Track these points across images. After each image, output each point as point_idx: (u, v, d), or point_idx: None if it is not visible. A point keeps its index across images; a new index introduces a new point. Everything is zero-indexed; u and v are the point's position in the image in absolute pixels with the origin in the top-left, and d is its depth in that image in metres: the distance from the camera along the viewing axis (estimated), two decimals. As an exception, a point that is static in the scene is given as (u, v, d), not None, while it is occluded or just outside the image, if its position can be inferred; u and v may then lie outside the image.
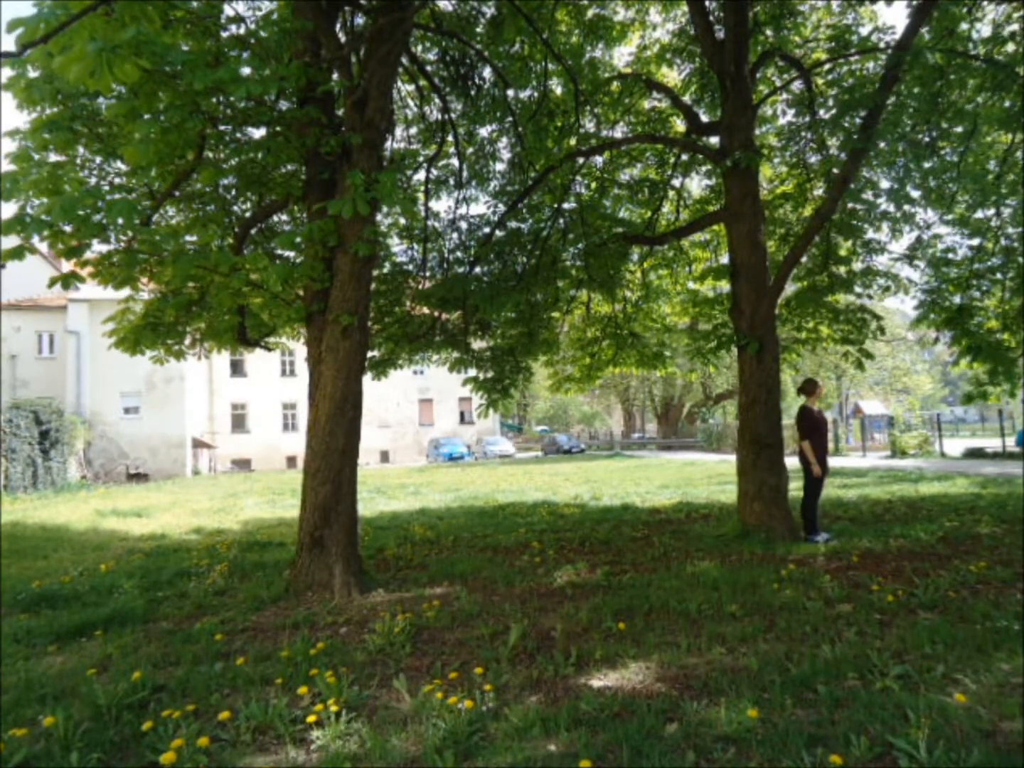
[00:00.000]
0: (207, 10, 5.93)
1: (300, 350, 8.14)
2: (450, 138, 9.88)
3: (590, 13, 9.98)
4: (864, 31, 9.79)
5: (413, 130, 10.85)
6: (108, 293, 6.74)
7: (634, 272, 11.63)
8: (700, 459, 28.29)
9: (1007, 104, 8.92)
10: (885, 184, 10.33)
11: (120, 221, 4.64)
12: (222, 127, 6.15)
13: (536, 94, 10.11)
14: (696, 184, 12.95)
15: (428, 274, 10.18)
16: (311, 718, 3.40)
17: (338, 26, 7.51)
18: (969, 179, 9.59)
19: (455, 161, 10.45)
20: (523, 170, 10.30)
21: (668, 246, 11.04)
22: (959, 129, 9.51)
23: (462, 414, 44.24)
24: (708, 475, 18.91)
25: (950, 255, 10.19)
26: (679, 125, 10.85)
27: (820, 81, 9.91)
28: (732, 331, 8.83)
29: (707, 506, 11.45)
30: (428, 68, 9.65)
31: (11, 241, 4.55)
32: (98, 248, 5.92)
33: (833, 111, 9.18)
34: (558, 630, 4.76)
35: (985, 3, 9.04)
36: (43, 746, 3.30)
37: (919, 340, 38.40)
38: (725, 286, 9.93)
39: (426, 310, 9.97)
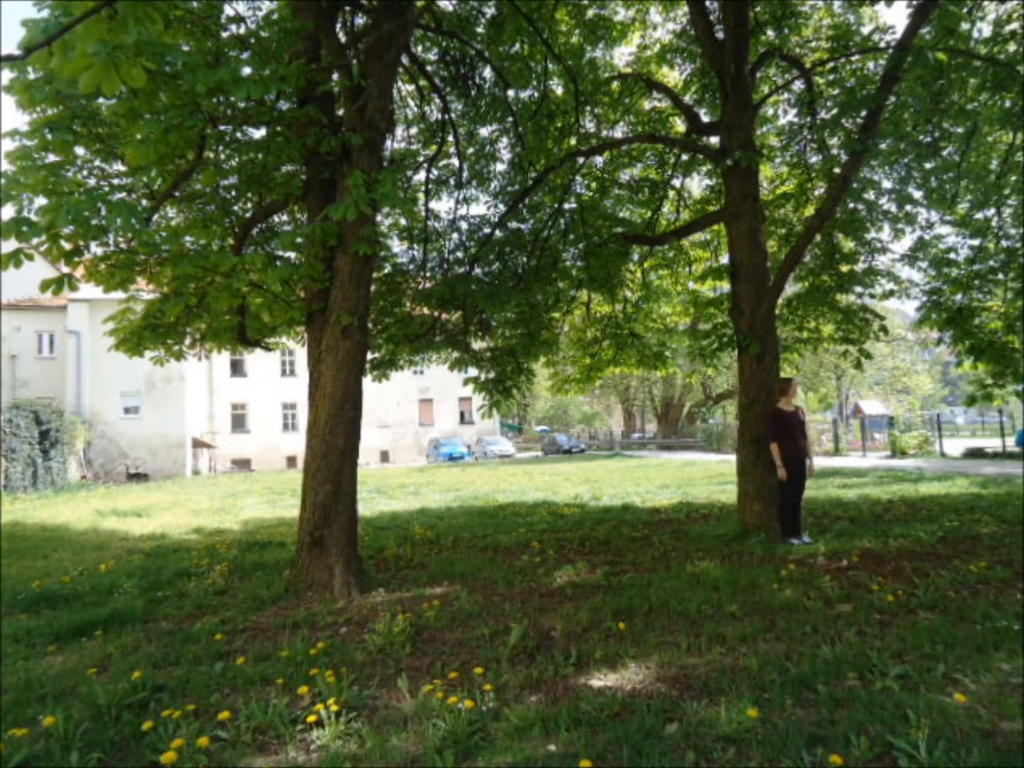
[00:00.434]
0: (207, 10, 5.93)
1: (300, 350, 8.14)
2: (450, 138, 9.88)
3: (590, 13, 9.99)
4: (865, 31, 9.80)
5: (413, 130, 10.86)
6: (108, 293, 6.73)
7: (634, 272, 11.63)
8: (700, 459, 28.28)
9: (1008, 104, 8.92)
10: (887, 184, 10.35)
11: (120, 222, 4.64)
12: (222, 127, 6.14)
13: (536, 94, 10.11)
14: (696, 184, 12.96)
15: (428, 274, 10.18)
16: (311, 718, 3.40)
17: (338, 26, 7.51)
18: (970, 179, 9.59)
19: (455, 161, 10.46)
20: (523, 170, 10.30)
21: (668, 246, 11.05)
22: (960, 129, 9.51)
23: (462, 414, 44.25)
24: (708, 475, 18.91)
25: (951, 255, 10.19)
26: (679, 125, 10.85)
27: (821, 81, 9.91)
28: (732, 331, 8.84)
29: (707, 506, 11.45)
30: (428, 68, 9.65)
31: (10, 244, 4.54)
32: (94, 250, 5.92)
33: (834, 111, 9.18)
34: (558, 630, 4.76)
35: (986, 3, 9.04)
36: (43, 746, 3.30)
37: (920, 341, 38.45)
38: (725, 286, 9.93)
39: (426, 311, 9.97)
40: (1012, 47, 8.92)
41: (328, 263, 6.44)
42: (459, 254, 10.50)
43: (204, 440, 34.43)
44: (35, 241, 4.62)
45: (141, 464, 29.78)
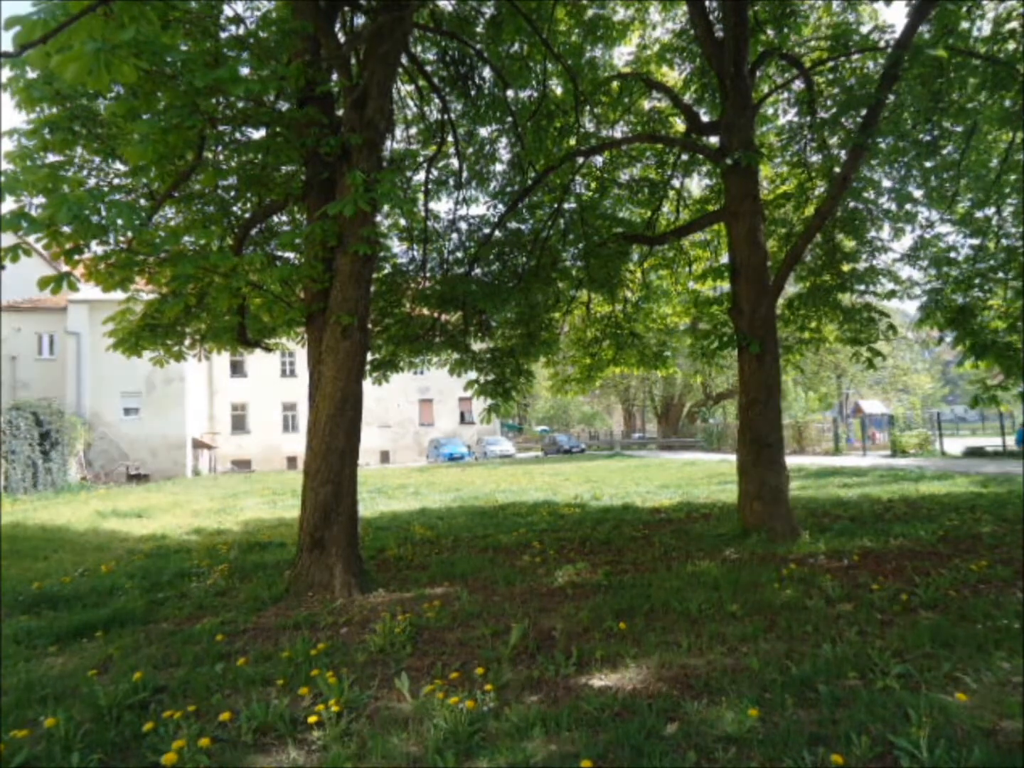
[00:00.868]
0: (206, 11, 5.92)
1: (300, 350, 8.13)
2: (450, 138, 9.87)
3: (590, 13, 9.97)
4: (864, 30, 9.79)
5: (413, 130, 10.85)
6: (108, 294, 6.72)
7: (634, 272, 11.62)
8: (700, 459, 28.28)
9: (1007, 103, 8.92)
10: (887, 183, 10.35)
11: (120, 222, 4.63)
12: (222, 127, 6.14)
13: (536, 94, 10.11)
14: (696, 184, 12.96)
15: (428, 275, 10.17)
16: (312, 719, 3.40)
17: (337, 26, 7.51)
18: (970, 178, 9.58)
19: (455, 161, 10.45)
20: (523, 170, 10.30)
21: (668, 246, 11.04)
22: (960, 128, 9.51)
23: (462, 414, 44.22)
24: (708, 475, 18.90)
25: (952, 254, 10.19)
26: (679, 125, 10.84)
27: (820, 80, 9.91)
28: (732, 331, 8.83)
29: (707, 506, 11.45)
30: (428, 68, 9.64)
31: (8, 239, 4.53)
32: (94, 249, 5.91)
33: (833, 110, 9.18)
34: (559, 630, 4.76)
35: (985, 1, 9.03)
36: (44, 747, 3.29)
37: (920, 340, 38.44)
38: (726, 286, 9.93)
39: (426, 311, 9.97)
40: (1011, 46, 8.91)
41: (328, 263, 6.44)
42: (459, 254, 10.49)
43: (204, 441, 34.41)
44: (34, 239, 4.62)
45: (141, 465, 29.77)
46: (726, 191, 8.74)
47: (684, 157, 10.78)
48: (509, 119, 10.10)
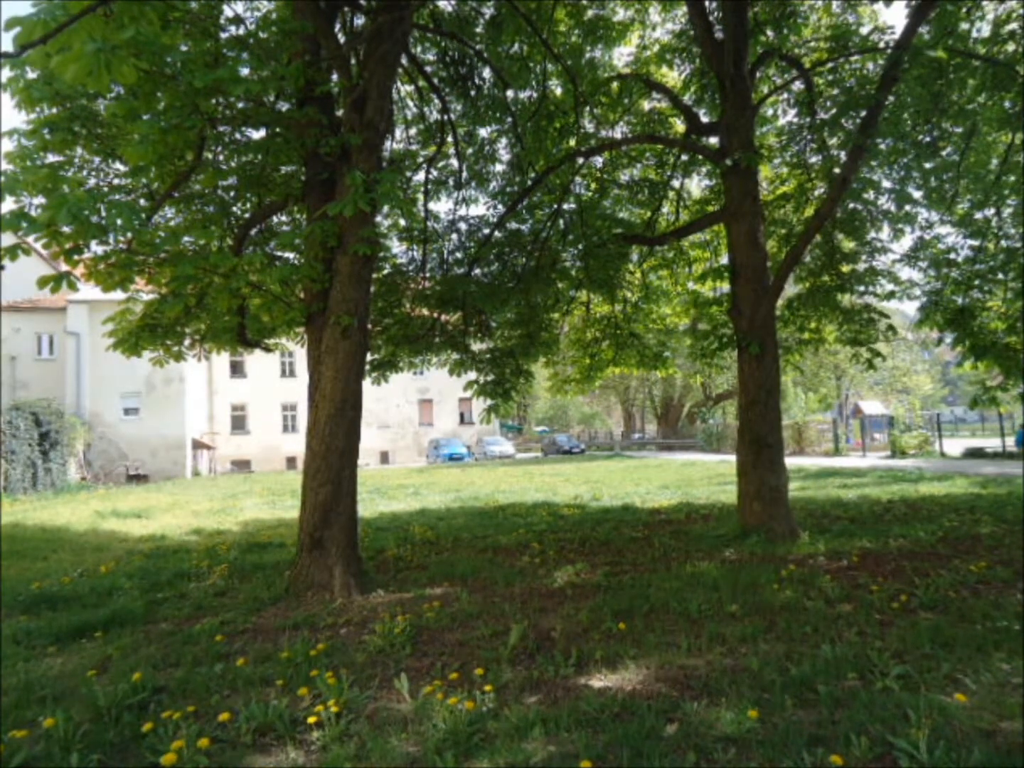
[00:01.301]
0: (206, 11, 5.93)
1: (300, 351, 8.14)
2: (450, 139, 9.87)
3: (589, 13, 9.98)
4: (864, 31, 9.80)
5: (413, 131, 10.85)
6: (108, 294, 6.72)
7: (634, 273, 11.63)
8: (700, 459, 28.29)
9: (1007, 104, 8.92)
10: (886, 184, 10.34)
11: (119, 222, 4.63)
12: (221, 128, 6.15)
13: (536, 94, 10.11)
14: (696, 184, 12.95)
15: (428, 275, 10.18)
16: (311, 719, 3.40)
17: (337, 26, 7.51)
18: (970, 179, 9.58)
19: (455, 162, 10.46)
20: (522, 171, 10.30)
21: (668, 246, 11.04)
22: (959, 129, 9.51)
23: (462, 415, 44.21)
24: (708, 475, 18.91)
25: (951, 255, 10.19)
26: (679, 125, 10.85)
27: (820, 81, 9.91)
28: (732, 331, 8.83)
29: (707, 506, 11.45)
30: (428, 68, 9.65)
31: (8, 239, 4.53)
32: (93, 249, 5.91)
33: (833, 111, 9.17)
34: (558, 630, 4.76)
35: (985, 2, 9.04)
36: (43, 747, 3.29)
37: (921, 341, 38.44)
38: (725, 286, 9.93)
39: (426, 311, 9.97)
40: (1011, 47, 8.93)
41: (328, 264, 6.44)
42: (458, 255, 10.49)
43: (204, 441, 34.41)
44: (34, 238, 4.62)
45: (141, 465, 29.76)
46: (726, 192, 8.74)
47: (684, 158, 10.78)
48: (509, 119, 10.11)
